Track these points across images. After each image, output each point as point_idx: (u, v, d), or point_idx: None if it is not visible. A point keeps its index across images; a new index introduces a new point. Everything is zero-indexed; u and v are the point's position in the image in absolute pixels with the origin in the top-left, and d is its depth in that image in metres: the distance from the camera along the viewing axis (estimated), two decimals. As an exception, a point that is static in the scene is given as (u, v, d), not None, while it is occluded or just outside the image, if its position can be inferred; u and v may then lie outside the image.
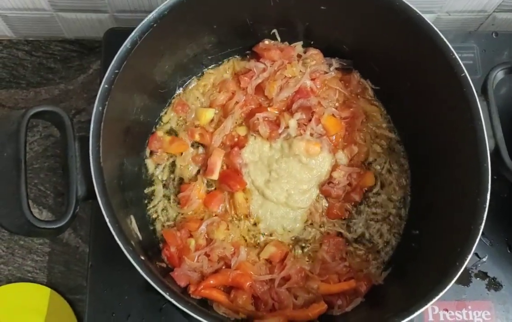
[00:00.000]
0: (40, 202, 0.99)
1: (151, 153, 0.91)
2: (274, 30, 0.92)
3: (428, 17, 0.75)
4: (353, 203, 0.89)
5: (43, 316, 0.92)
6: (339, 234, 0.87)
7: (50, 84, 1.07)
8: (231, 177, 0.87)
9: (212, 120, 0.93)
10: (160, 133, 0.91)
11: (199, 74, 0.96)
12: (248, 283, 0.78)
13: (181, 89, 0.95)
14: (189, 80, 0.95)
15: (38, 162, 1.01)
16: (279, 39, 0.93)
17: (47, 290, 0.94)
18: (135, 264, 0.63)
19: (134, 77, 0.77)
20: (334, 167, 0.89)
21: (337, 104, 0.93)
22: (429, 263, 0.74)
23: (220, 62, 0.96)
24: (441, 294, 0.64)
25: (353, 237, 0.87)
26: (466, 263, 0.65)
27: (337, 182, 0.88)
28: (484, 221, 0.67)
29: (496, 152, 0.72)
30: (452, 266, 0.65)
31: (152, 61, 0.82)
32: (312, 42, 0.94)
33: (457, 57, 0.73)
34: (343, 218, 0.89)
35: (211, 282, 0.78)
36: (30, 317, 0.92)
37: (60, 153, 1.02)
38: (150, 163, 0.91)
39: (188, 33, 0.83)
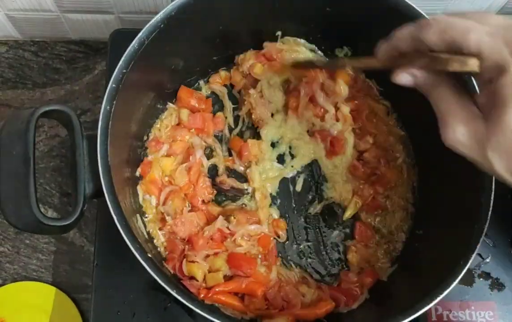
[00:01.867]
0: (45, 202, 1.00)
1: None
2: (279, 33, 0.93)
3: (432, 19, 0.76)
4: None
5: (48, 314, 0.93)
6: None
7: (56, 84, 1.08)
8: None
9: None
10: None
11: (205, 78, 0.97)
12: (261, 290, 0.78)
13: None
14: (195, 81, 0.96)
15: (43, 162, 1.02)
16: (279, 41, 0.94)
17: (52, 289, 0.94)
18: (142, 262, 0.64)
19: (141, 77, 0.77)
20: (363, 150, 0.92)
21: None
22: (433, 263, 0.75)
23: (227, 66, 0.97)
24: (445, 292, 0.64)
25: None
26: (470, 262, 0.66)
27: (367, 160, 0.91)
28: (488, 221, 0.67)
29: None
30: (456, 266, 0.66)
31: (159, 61, 0.82)
32: (315, 44, 0.95)
33: (461, 58, 0.73)
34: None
35: (224, 288, 0.77)
36: (35, 315, 0.93)
37: (65, 153, 1.02)
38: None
39: (194, 34, 0.84)
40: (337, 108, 0.91)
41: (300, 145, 0.92)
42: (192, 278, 0.78)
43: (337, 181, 0.91)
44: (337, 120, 0.91)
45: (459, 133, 0.53)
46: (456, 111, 0.53)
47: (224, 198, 0.90)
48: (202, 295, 0.74)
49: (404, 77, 0.58)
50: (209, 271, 0.79)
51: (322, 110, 0.91)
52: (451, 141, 0.54)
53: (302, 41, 0.95)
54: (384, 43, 0.62)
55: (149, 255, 0.65)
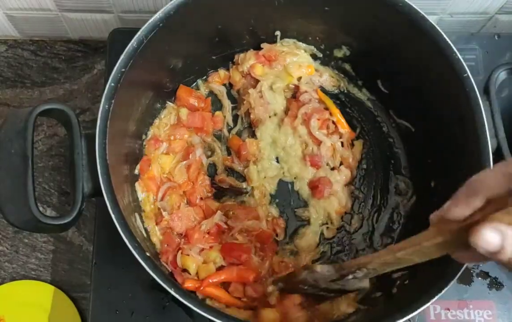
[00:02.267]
0: (44, 201, 1.00)
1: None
2: (278, 33, 0.93)
3: (430, 19, 0.76)
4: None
5: (47, 313, 0.93)
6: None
7: (54, 83, 1.08)
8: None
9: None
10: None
11: (204, 77, 0.97)
12: (253, 277, 0.78)
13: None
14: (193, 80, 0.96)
15: (42, 161, 1.02)
16: (279, 41, 0.94)
17: (51, 288, 0.94)
18: (140, 261, 0.64)
19: (140, 76, 0.77)
20: None
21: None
22: (431, 262, 0.74)
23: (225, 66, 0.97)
24: (442, 291, 0.64)
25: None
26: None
27: None
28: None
29: (498, 152, 0.73)
30: (453, 264, 0.65)
31: (157, 60, 0.83)
32: (314, 44, 0.95)
33: (460, 57, 0.73)
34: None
35: (215, 279, 0.78)
36: (34, 314, 0.93)
37: (64, 152, 1.02)
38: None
39: (193, 33, 0.84)
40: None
41: (290, 157, 0.92)
42: (185, 270, 0.79)
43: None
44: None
45: None
46: None
47: (223, 196, 0.91)
48: (189, 285, 0.75)
49: (489, 236, 0.42)
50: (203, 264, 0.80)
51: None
52: None
53: (303, 44, 0.95)
54: (457, 193, 0.49)
55: (148, 254, 0.65)
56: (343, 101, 0.97)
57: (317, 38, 0.93)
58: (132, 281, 0.84)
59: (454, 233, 0.49)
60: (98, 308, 0.84)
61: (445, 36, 0.75)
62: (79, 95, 1.07)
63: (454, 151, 0.78)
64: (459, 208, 0.48)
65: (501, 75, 0.76)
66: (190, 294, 0.67)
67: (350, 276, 0.65)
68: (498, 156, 0.73)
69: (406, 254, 0.58)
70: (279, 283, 0.77)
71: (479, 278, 0.89)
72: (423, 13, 0.76)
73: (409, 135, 0.92)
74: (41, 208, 0.98)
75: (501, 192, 0.45)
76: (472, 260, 0.54)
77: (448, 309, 0.87)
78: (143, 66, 0.75)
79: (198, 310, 0.62)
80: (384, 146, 0.95)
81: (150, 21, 0.73)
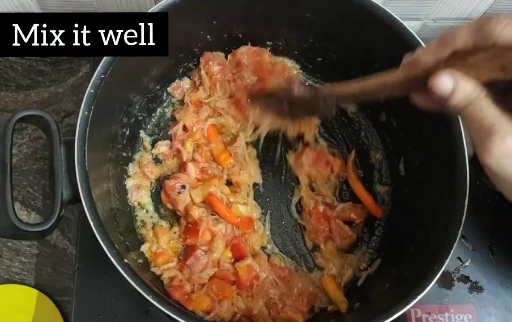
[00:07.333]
0: (28, 205, 1.00)
1: None
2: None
3: (414, 25, 0.76)
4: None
5: (31, 317, 0.93)
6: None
7: (39, 87, 1.07)
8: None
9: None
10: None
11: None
12: None
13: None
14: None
15: (27, 165, 1.02)
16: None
17: (34, 292, 0.94)
18: (118, 267, 0.64)
19: (121, 82, 0.77)
20: None
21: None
22: (408, 267, 0.75)
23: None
24: (419, 297, 0.65)
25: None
26: (444, 267, 0.66)
27: None
28: (462, 226, 0.68)
29: (474, 158, 0.74)
30: (430, 270, 0.66)
31: (139, 65, 0.83)
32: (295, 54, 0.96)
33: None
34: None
35: None
36: (18, 318, 0.93)
37: (48, 156, 1.02)
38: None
39: (175, 39, 0.84)
40: None
41: None
42: None
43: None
44: None
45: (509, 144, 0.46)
46: (502, 123, 0.47)
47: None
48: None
49: (445, 80, 0.49)
50: None
51: None
52: (497, 156, 0.48)
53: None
54: (430, 43, 0.53)
55: (126, 261, 0.65)
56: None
57: (296, 53, 0.95)
58: (115, 285, 0.84)
59: (417, 77, 0.54)
60: (81, 312, 0.84)
61: (423, 44, 0.75)
62: (64, 98, 1.07)
63: (430, 157, 0.79)
64: (428, 54, 0.53)
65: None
66: (168, 301, 0.68)
67: (321, 102, 0.70)
68: (475, 162, 0.74)
69: (373, 86, 0.61)
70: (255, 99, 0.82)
71: (460, 283, 0.90)
72: (401, 21, 0.76)
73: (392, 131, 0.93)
74: (25, 212, 0.99)
75: (467, 46, 0.50)
76: (424, 104, 0.58)
77: (429, 313, 0.87)
78: (124, 72, 0.75)
79: (173, 315, 0.63)
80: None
81: (130, 28, 0.73)
